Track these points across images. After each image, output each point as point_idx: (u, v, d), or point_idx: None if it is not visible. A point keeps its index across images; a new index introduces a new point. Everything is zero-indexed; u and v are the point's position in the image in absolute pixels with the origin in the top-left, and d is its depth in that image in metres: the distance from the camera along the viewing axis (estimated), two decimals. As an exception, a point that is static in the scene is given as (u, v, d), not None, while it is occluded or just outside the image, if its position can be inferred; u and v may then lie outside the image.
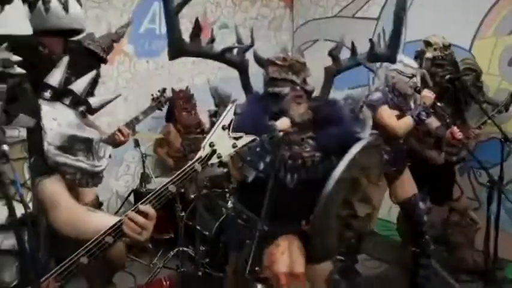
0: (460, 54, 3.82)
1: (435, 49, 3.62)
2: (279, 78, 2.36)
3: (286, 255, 2.32)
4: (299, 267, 2.31)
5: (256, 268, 2.20)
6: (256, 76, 2.53)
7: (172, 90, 4.51)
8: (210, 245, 3.72)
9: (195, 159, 1.51)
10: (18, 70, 1.33)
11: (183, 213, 3.79)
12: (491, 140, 3.80)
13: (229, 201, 3.88)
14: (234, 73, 5.04)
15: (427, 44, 3.65)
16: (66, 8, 1.35)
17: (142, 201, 1.46)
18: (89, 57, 2.74)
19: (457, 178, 4.03)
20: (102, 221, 1.52)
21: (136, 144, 4.05)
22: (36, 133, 1.45)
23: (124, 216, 1.44)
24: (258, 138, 1.88)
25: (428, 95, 3.31)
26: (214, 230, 3.72)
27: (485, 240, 3.16)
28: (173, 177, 1.49)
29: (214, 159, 1.51)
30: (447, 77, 3.55)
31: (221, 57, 2.46)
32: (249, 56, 2.55)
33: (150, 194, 1.47)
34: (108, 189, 4.59)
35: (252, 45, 2.53)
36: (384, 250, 4.27)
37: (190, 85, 4.78)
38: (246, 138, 1.54)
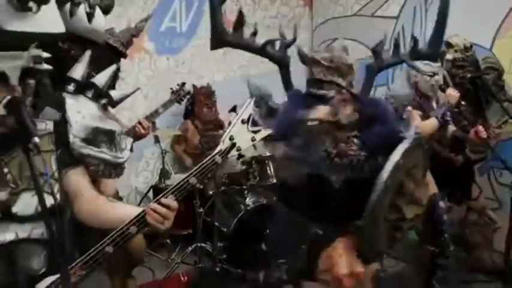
0: (481, 53, 3.78)
1: (456, 51, 3.58)
2: (324, 80, 2.29)
3: (344, 256, 2.30)
4: (358, 267, 2.30)
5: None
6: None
7: (194, 86, 4.55)
8: (227, 241, 3.74)
9: (215, 152, 1.55)
10: (46, 66, 1.37)
11: (201, 210, 3.83)
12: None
13: (247, 198, 3.93)
14: (255, 71, 5.10)
15: (448, 45, 3.61)
16: (90, 19, 1.38)
17: (165, 193, 1.50)
18: (108, 52, 2.76)
19: (476, 178, 3.99)
20: (124, 211, 1.57)
21: (157, 140, 4.09)
22: (61, 126, 1.49)
23: (147, 207, 1.48)
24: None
25: (453, 93, 3.27)
26: (232, 226, 3.73)
27: (507, 241, 3.12)
28: (194, 169, 1.53)
29: (233, 152, 1.57)
30: (468, 75, 3.52)
31: (262, 51, 2.42)
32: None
33: (171, 186, 1.51)
34: (128, 185, 4.65)
35: (294, 40, 2.49)
36: (400, 249, 4.24)
37: (210, 82, 4.83)
38: (264, 132, 1.60)
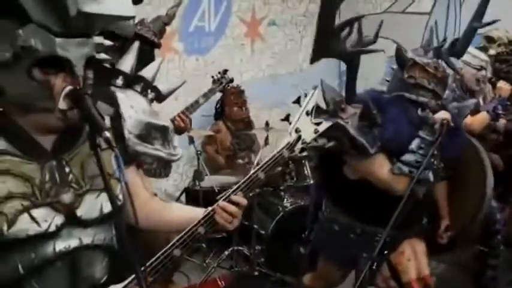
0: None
1: (499, 45, 3.47)
2: (427, 88, 2.23)
3: (412, 261, 2.27)
4: (425, 269, 2.31)
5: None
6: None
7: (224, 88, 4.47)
8: (265, 244, 3.66)
9: (283, 145, 1.52)
10: (104, 56, 1.28)
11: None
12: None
13: (285, 200, 3.84)
14: (282, 70, 5.02)
15: (490, 40, 3.50)
16: None
17: (234, 189, 1.46)
18: (140, 43, 2.67)
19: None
20: (184, 212, 1.52)
21: (191, 141, 4.02)
22: (116, 121, 1.38)
23: (216, 205, 1.43)
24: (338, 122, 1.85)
25: (505, 86, 3.16)
26: (271, 228, 3.65)
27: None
28: (262, 163, 1.50)
29: (299, 145, 1.54)
30: (512, 69, 3.41)
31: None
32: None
33: (240, 182, 1.47)
34: (157, 188, 4.56)
35: (375, 40, 2.39)
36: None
37: (239, 82, 4.74)
38: (326, 124, 1.59)
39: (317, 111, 2.14)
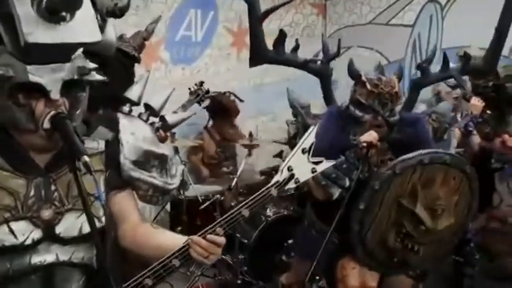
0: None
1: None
2: (363, 104, 2.28)
3: (357, 269, 2.30)
4: (371, 281, 2.31)
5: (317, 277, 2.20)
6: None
7: (220, 98, 4.53)
8: (248, 253, 3.69)
9: (271, 182, 1.41)
10: (97, 77, 1.27)
11: (222, 221, 3.76)
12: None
13: (268, 209, 3.87)
14: (268, 80, 5.06)
15: (466, 55, 3.58)
16: (101, 31, 1.30)
17: (213, 225, 1.38)
18: (121, 58, 2.65)
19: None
20: (165, 240, 1.46)
21: (176, 151, 4.04)
22: (113, 146, 1.42)
23: (188, 239, 1.36)
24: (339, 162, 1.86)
25: (477, 103, 3.24)
26: (254, 238, 3.68)
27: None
28: (247, 200, 1.40)
29: (291, 184, 1.41)
30: (490, 83, 3.49)
31: (304, 66, 2.44)
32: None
33: (221, 218, 1.39)
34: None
35: (337, 55, 2.50)
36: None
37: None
38: (326, 163, 1.45)
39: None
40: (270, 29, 5.16)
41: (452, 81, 3.30)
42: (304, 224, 2.72)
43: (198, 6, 4.88)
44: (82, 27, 1.18)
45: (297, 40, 2.43)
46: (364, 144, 2.15)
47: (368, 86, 2.25)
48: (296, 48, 2.39)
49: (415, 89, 2.53)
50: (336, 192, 2.20)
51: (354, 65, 2.37)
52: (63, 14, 1.13)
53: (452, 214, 2.26)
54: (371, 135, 2.19)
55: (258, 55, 2.29)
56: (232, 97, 4.68)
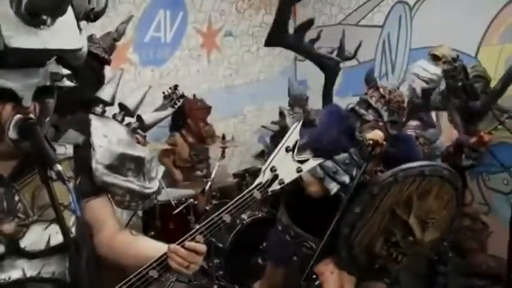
0: (466, 61, 3.81)
1: (444, 62, 3.60)
2: (372, 105, 2.34)
3: (335, 274, 2.30)
4: (348, 286, 2.31)
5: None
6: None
7: (187, 99, 4.43)
8: (224, 257, 3.65)
9: (253, 185, 1.31)
10: (67, 83, 1.22)
11: (196, 225, 3.71)
12: (500, 144, 3.81)
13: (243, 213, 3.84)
14: (238, 81, 5.04)
15: (435, 57, 3.62)
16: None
17: (192, 232, 1.31)
18: (90, 61, 2.61)
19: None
20: (146, 249, 1.39)
21: (148, 154, 3.95)
22: (84, 150, 1.34)
23: (168, 248, 1.29)
24: (325, 160, 1.84)
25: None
26: (229, 241, 3.64)
27: (509, 247, 3.12)
28: (228, 205, 1.31)
29: (275, 186, 1.31)
30: (459, 84, 3.54)
31: (316, 59, 2.44)
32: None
33: (201, 224, 1.31)
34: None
35: (354, 56, 2.52)
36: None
37: (196, 93, 4.73)
38: (313, 162, 1.34)
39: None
40: (239, 30, 5.20)
41: (427, 75, 3.34)
42: (277, 228, 2.68)
43: (167, 6, 4.82)
44: (64, 32, 1.12)
45: (319, 32, 2.48)
46: (370, 142, 2.15)
47: (381, 90, 2.34)
48: (316, 39, 2.38)
49: (424, 97, 2.76)
50: (334, 188, 2.19)
51: (372, 75, 2.50)
52: (44, 17, 1.06)
53: (438, 228, 2.30)
54: (377, 134, 2.21)
55: (277, 37, 2.26)
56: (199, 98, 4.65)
